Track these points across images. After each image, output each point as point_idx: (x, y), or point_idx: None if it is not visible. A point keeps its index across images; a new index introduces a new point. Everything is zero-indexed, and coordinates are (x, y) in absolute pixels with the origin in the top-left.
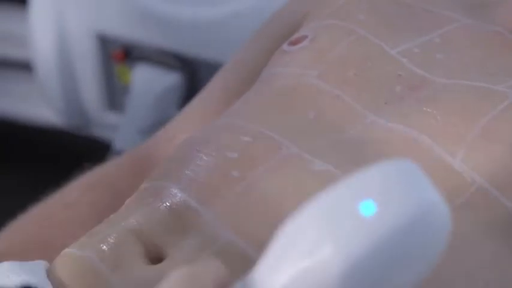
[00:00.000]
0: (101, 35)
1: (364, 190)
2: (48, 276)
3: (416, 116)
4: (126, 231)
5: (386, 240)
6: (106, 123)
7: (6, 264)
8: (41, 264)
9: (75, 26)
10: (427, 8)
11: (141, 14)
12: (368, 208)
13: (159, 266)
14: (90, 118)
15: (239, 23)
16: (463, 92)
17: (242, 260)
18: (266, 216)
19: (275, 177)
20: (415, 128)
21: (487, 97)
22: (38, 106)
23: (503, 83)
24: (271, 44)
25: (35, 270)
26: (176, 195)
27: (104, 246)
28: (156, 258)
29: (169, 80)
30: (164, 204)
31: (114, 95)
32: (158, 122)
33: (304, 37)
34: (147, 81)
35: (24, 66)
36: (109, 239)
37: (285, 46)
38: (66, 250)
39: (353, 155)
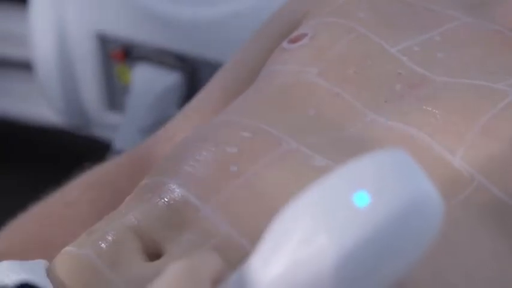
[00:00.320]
0: (101, 35)
1: (358, 180)
2: (48, 275)
3: (416, 114)
4: (125, 228)
5: (380, 231)
6: (106, 123)
7: (5, 264)
8: (40, 264)
9: (75, 26)
10: (428, 7)
11: (141, 14)
12: (362, 199)
13: (157, 262)
14: (90, 118)
15: (239, 22)
16: (463, 90)
17: (241, 254)
18: (265, 210)
19: (275, 171)
20: (415, 126)
21: (487, 95)
22: (38, 106)
23: (503, 81)
24: (271, 43)
25: (34, 269)
26: (174, 190)
27: (102, 244)
28: (154, 254)
29: (169, 79)
30: (162, 200)
31: (114, 94)
32: (158, 122)
33: (304, 35)
34: (147, 81)
35: (24, 66)
36: (107, 237)
37: (284, 44)
38: (65, 249)
39: (353, 152)
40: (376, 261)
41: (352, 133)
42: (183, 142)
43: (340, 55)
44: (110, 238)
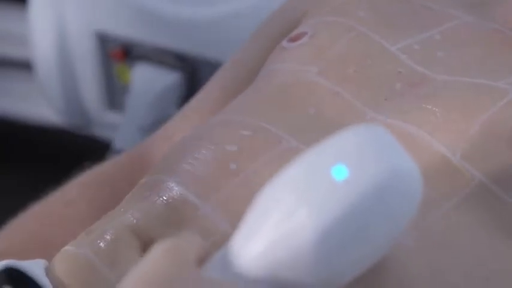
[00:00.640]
0: (101, 34)
1: (336, 155)
2: (47, 274)
3: (416, 112)
4: (123, 227)
5: (359, 204)
6: (106, 122)
7: (3, 263)
8: (40, 263)
9: (75, 25)
10: (428, 6)
11: (140, 13)
12: (340, 172)
13: None
14: (90, 117)
15: (239, 22)
16: (463, 89)
17: None
18: None
19: (274, 170)
20: (415, 124)
21: (487, 93)
22: (38, 105)
23: (503, 80)
24: (270, 43)
25: (34, 269)
26: (173, 189)
27: (101, 243)
28: None
29: (169, 79)
30: (161, 199)
31: (114, 94)
32: (158, 121)
33: (304, 34)
34: (147, 81)
35: (24, 66)
36: (106, 236)
37: (284, 43)
38: (64, 248)
39: None
40: (356, 235)
41: None
42: (182, 141)
43: (340, 54)
44: (108, 237)
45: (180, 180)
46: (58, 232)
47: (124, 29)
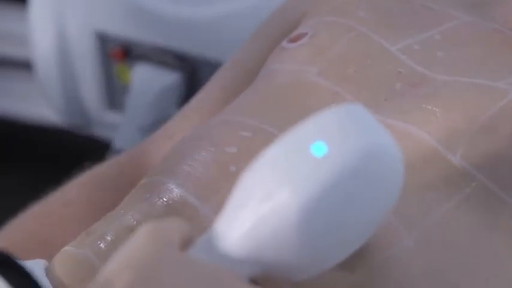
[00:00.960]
0: (101, 34)
1: (315, 132)
2: (47, 274)
3: (416, 112)
4: (123, 228)
5: (339, 180)
6: (106, 122)
7: None
8: (40, 263)
9: (75, 25)
10: (428, 6)
11: (140, 13)
12: (319, 148)
13: None
14: (90, 117)
15: (239, 22)
16: (463, 89)
17: None
18: None
19: None
20: (415, 124)
21: (487, 94)
22: (38, 105)
23: (503, 80)
24: (270, 43)
25: (34, 269)
26: (173, 190)
27: (101, 244)
28: None
29: (168, 79)
30: (161, 200)
31: (114, 94)
32: (158, 121)
33: (304, 34)
34: (147, 80)
35: (24, 66)
36: (106, 236)
37: (284, 43)
38: (64, 248)
39: None
40: (337, 212)
41: None
42: (182, 142)
43: (340, 54)
44: (108, 238)
45: (180, 182)
46: (58, 232)
47: (124, 28)
